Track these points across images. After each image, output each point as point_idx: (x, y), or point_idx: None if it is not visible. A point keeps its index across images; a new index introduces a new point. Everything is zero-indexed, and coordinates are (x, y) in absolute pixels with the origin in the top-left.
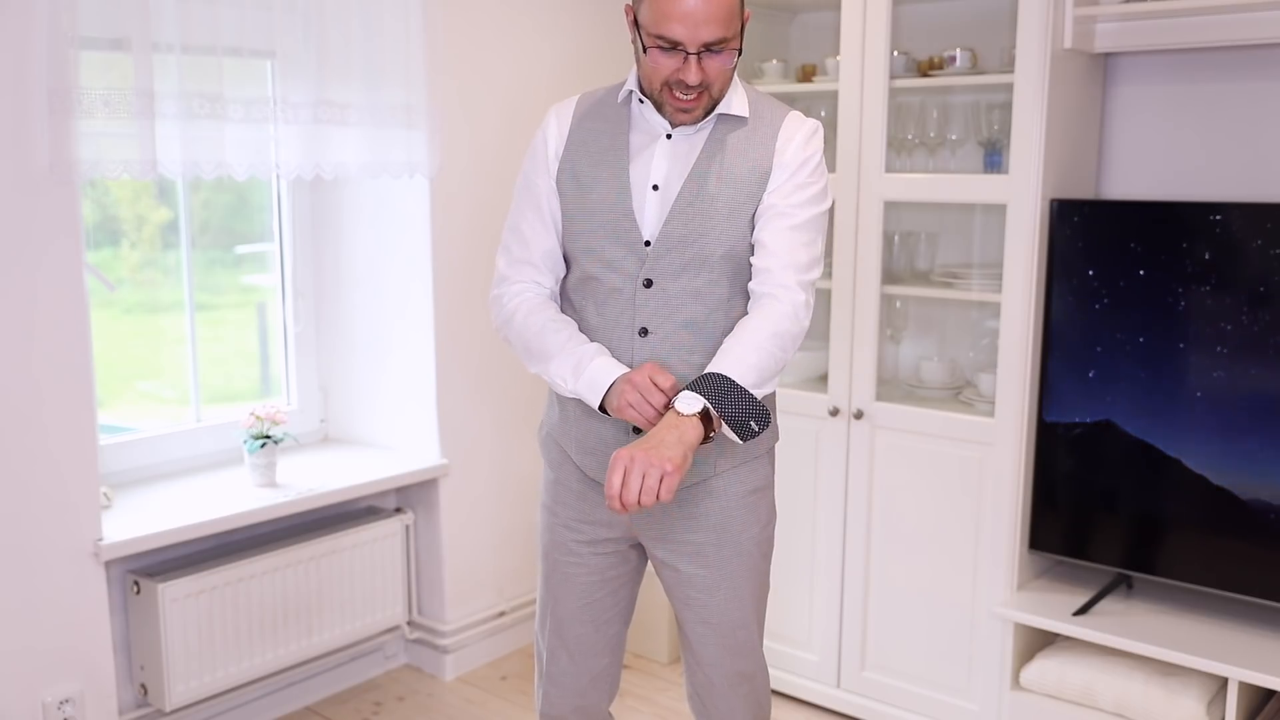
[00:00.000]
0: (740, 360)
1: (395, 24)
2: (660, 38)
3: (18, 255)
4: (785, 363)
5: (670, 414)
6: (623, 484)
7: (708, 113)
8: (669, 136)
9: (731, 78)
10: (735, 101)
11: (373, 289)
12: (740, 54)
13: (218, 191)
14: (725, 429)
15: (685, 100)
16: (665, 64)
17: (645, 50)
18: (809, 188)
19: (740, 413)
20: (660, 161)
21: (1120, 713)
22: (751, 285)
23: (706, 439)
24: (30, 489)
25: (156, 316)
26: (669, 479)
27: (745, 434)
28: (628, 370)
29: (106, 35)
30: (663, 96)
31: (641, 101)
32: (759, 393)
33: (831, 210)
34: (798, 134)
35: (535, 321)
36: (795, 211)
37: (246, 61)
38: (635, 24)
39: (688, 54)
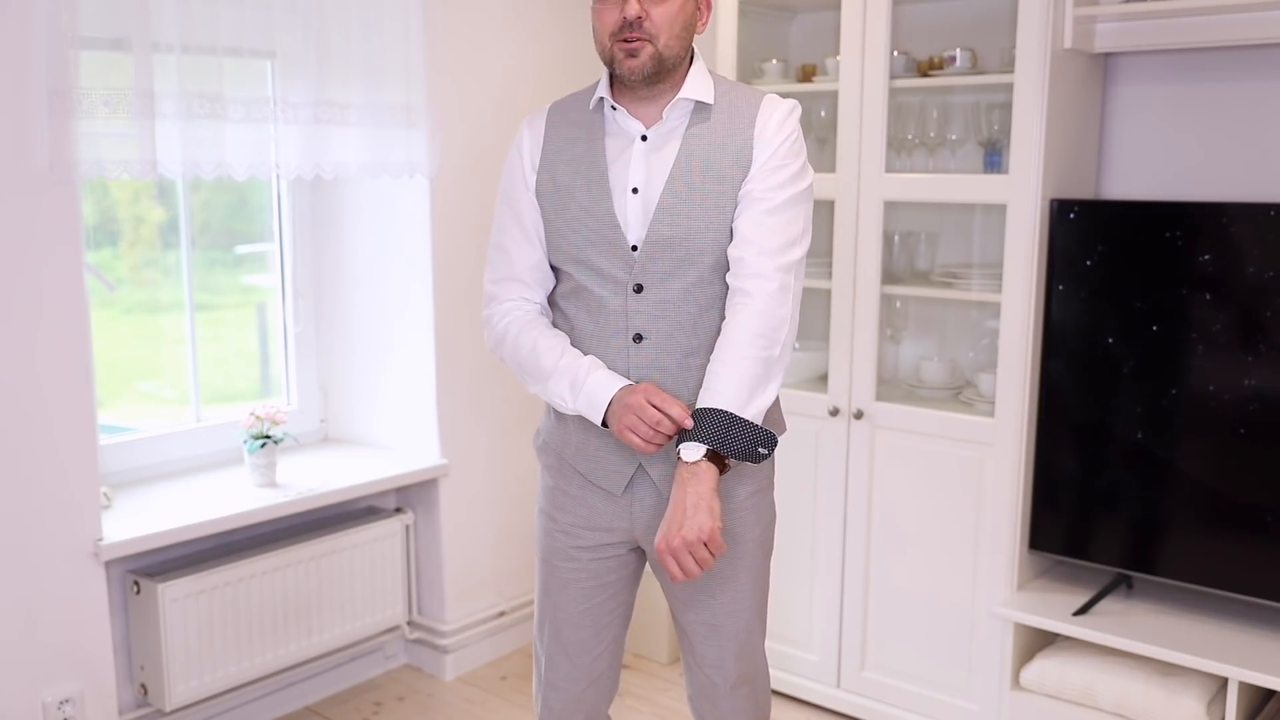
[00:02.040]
0: (729, 384)
1: (395, 24)
2: None
3: (18, 255)
4: (774, 358)
5: (680, 467)
6: (682, 570)
7: (658, 71)
8: (644, 139)
9: (681, 34)
10: (700, 87)
11: (373, 289)
12: (704, 15)
13: (218, 191)
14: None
15: (629, 45)
16: (608, 15)
17: (594, 12)
18: (784, 169)
19: (744, 444)
20: (638, 164)
21: (1120, 713)
22: (728, 277)
23: (723, 470)
24: (31, 489)
25: (156, 316)
26: (712, 541)
27: (756, 459)
28: (626, 383)
29: (106, 35)
30: (613, 52)
31: (614, 108)
32: (758, 404)
33: (831, 208)
34: (773, 116)
35: (526, 340)
36: (770, 195)
37: (246, 61)
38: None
39: None
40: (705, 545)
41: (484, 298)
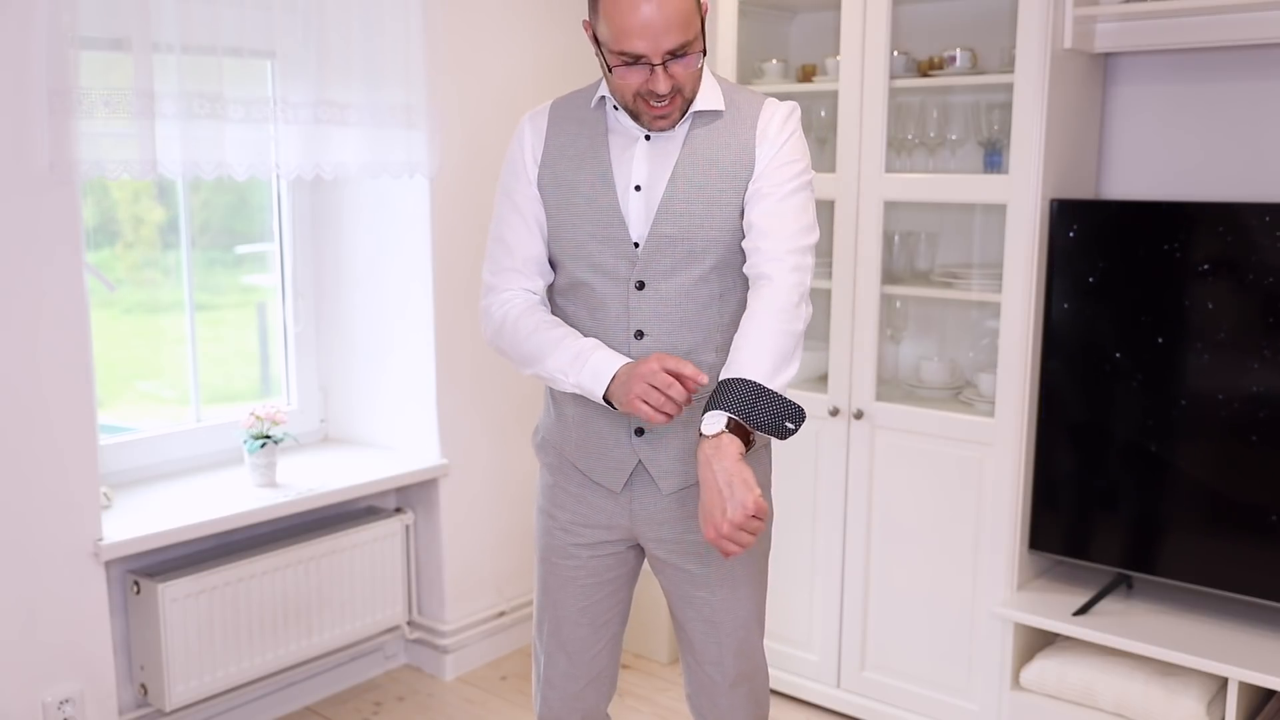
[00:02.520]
0: (754, 355)
1: (395, 24)
2: (623, 54)
3: (18, 255)
4: (798, 333)
5: (702, 444)
6: (738, 546)
7: (684, 114)
8: (647, 138)
9: (701, 77)
10: (709, 95)
11: (373, 289)
12: (705, 54)
13: (218, 191)
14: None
15: (660, 108)
16: (633, 78)
17: (610, 69)
18: (790, 165)
19: (771, 416)
20: (640, 162)
21: (1120, 713)
22: (746, 268)
23: (748, 444)
24: (31, 489)
25: (156, 316)
26: (760, 511)
27: (783, 434)
28: (630, 361)
29: (106, 35)
30: (637, 107)
31: (616, 108)
32: (784, 377)
33: (831, 208)
34: (774, 117)
35: (526, 323)
36: (778, 189)
37: (246, 61)
38: (595, 40)
39: (653, 65)
40: (756, 518)
41: (482, 289)
